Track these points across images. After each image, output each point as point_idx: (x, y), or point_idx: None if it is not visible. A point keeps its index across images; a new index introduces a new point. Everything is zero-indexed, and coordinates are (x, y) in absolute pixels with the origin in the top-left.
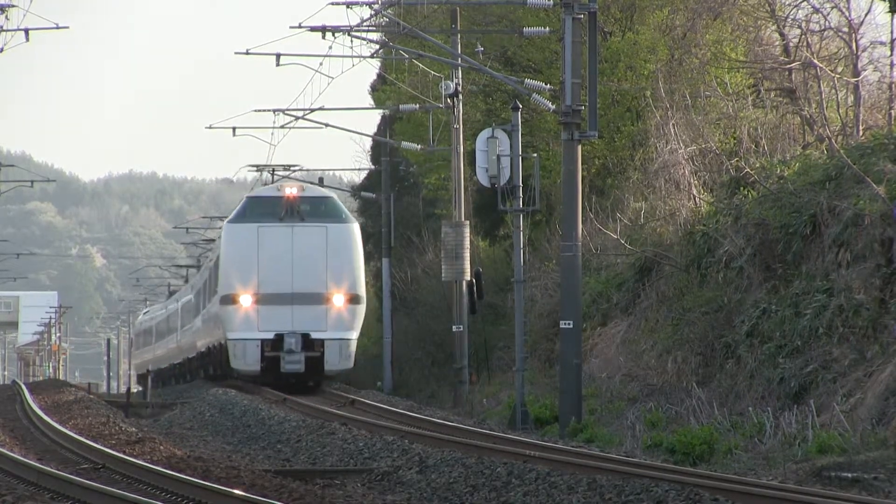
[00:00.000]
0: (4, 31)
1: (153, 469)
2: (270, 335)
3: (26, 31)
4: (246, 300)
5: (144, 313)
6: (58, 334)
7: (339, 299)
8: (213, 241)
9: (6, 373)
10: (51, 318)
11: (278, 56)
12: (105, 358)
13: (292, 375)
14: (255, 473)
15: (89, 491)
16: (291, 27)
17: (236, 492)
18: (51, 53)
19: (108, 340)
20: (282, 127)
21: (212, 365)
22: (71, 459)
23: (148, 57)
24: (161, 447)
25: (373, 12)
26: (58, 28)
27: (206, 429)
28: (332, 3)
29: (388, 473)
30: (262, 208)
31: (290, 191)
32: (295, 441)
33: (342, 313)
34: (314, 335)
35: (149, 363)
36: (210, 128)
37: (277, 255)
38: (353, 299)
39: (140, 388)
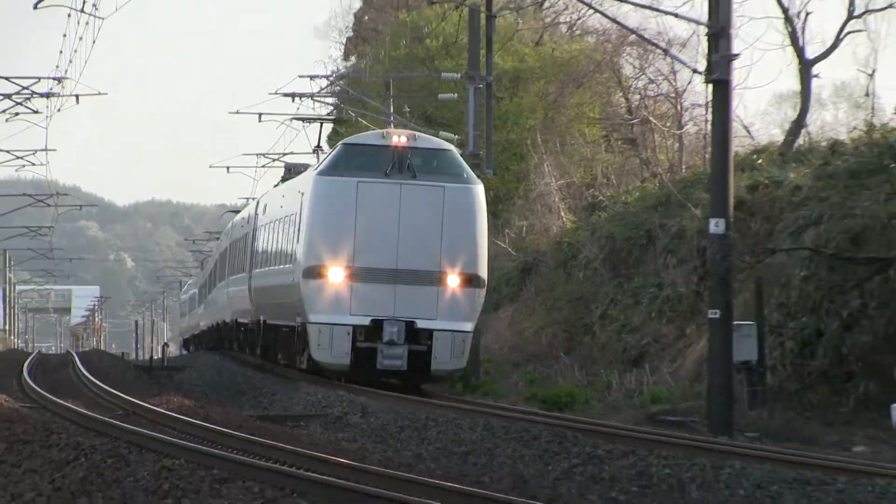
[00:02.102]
0: (61, 96)
1: (168, 414)
2: (366, 321)
3: (77, 96)
4: (336, 274)
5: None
6: (100, 317)
7: (454, 280)
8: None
9: (62, 345)
10: (94, 305)
11: (260, 115)
12: (134, 334)
13: (391, 373)
14: (242, 418)
15: (122, 430)
16: (269, 93)
17: (230, 431)
18: (96, 110)
19: (136, 322)
20: (263, 166)
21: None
22: (108, 407)
23: (165, 112)
24: (174, 399)
25: (329, 82)
26: (99, 94)
27: (206, 386)
28: (300, 77)
29: (338, 418)
30: (362, 158)
31: (399, 139)
32: (271, 395)
33: (458, 298)
34: (421, 324)
35: (189, 330)
36: (211, 167)
37: (380, 220)
38: (473, 281)
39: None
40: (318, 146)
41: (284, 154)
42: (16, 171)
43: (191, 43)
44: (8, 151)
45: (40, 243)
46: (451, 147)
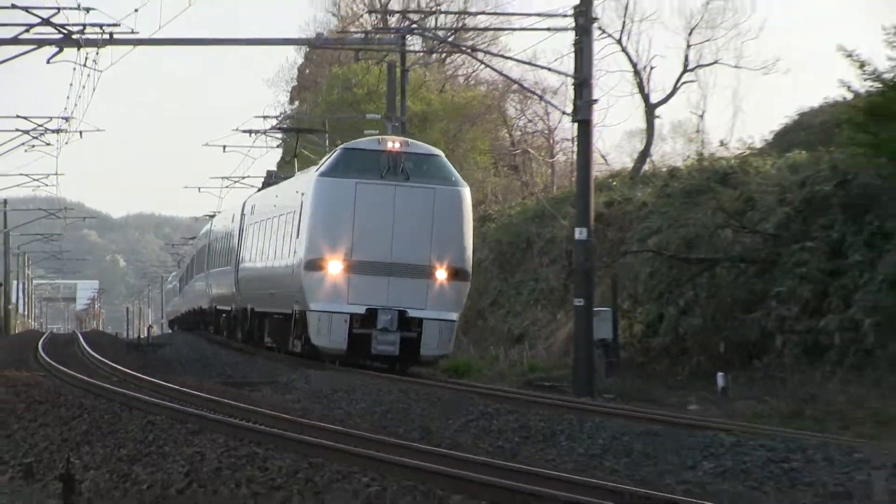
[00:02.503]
0: (68, 132)
1: (152, 381)
2: (361, 309)
3: (80, 132)
4: (335, 267)
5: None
6: (98, 305)
7: (442, 274)
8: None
9: (69, 326)
10: (94, 295)
11: (224, 147)
12: (125, 318)
13: (385, 358)
14: (210, 384)
15: (116, 393)
16: (232, 129)
17: (200, 394)
18: (95, 141)
19: (127, 308)
20: (227, 187)
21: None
22: (105, 375)
23: (150, 142)
24: (158, 369)
25: (277, 122)
26: (97, 130)
27: (182, 359)
28: (256, 117)
29: (286, 383)
30: (360, 162)
31: (393, 144)
32: (234, 366)
33: (446, 290)
34: (412, 313)
35: (173, 313)
36: (186, 187)
37: (376, 218)
38: (459, 275)
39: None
40: (270, 171)
41: (243, 177)
42: (32, 190)
43: (171, 88)
44: (27, 175)
45: (52, 247)
46: (440, 153)
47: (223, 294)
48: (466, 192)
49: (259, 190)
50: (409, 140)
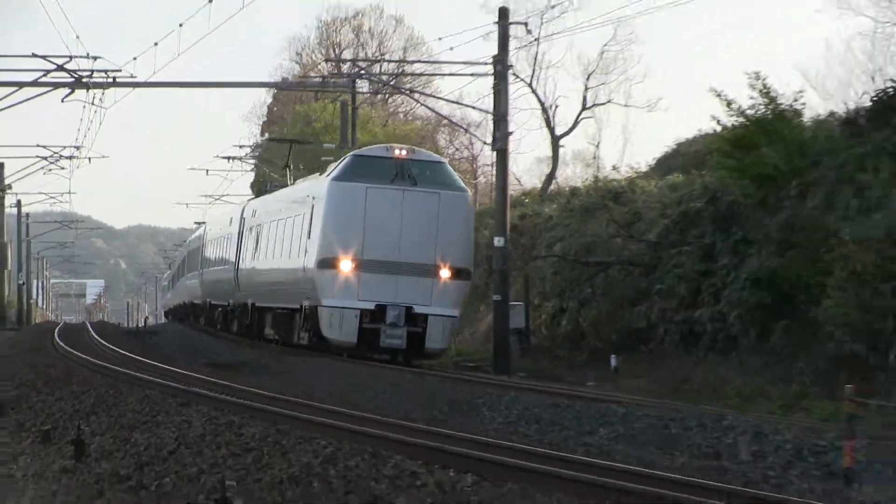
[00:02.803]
0: (79, 158)
1: (150, 363)
2: (371, 306)
3: (89, 158)
4: (347, 265)
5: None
6: (104, 300)
7: (446, 273)
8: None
9: (79, 317)
10: (100, 292)
11: (207, 171)
12: (126, 311)
13: (392, 351)
14: (198, 365)
15: (118, 372)
16: (214, 156)
17: (189, 373)
18: (102, 165)
19: (128, 303)
20: (209, 204)
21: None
22: (109, 357)
23: (147, 166)
24: (154, 352)
25: (251, 150)
26: (103, 157)
27: (175, 345)
28: (234, 146)
29: (263, 365)
30: (369, 168)
31: (400, 152)
32: (217, 351)
33: (449, 288)
34: (417, 309)
35: (168, 306)
36: (177, 203)
37: (385, 220)
38: (462, 274)
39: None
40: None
41: (223, 195)
42: (49, 206)
43: (164, 121)
44: (45, 193)
45: (65, 252)
46: (444, 160)
47: (219, 290)
48: (469, 197)
49: (253, 198)
50: (415, 148)
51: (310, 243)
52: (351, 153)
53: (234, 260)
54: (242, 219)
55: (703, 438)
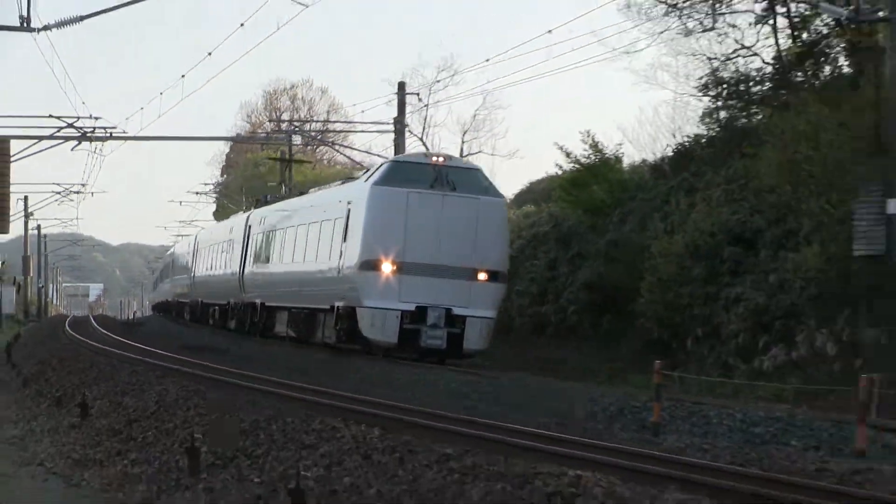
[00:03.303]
0: (83, 193)
1: (135, 345)
2: (411, 307)
3: (92, 193)
4: (389, 268)
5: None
6: (103, 299)
7: (483, 276)
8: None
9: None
10: (100, 293)
11: (181, 202)
12: (120, 307)
13: (432, 351)
14: (175, 349)
15: (113, 353)
16: (187, 191)
17: (166, 353)
18: (102, 197)
19: (121, 301)
20: (183, 226)
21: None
22: (108, 342)
23: (134, 199)
24: (140, 338)
25: (213, 187)
26: (104, 192)
27: (155, 332)
28: (200, 183)
29: (226, 349)
30: (408, 173)
31: (438, 158)
32: (189, 336)
33: (486, 291)
34: (456, 311)
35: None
36: (157, 226)
37: (425, 224)
38: (498, 277)
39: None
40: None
41: (192, 221)
42: (62, 228)
43: (150, 164)
44: (58, 219)
45: (74, 263)
46: (480, 167)
47: (215, 291)
48: (504, 203)
49: (257, 208)
50: (451, 155)
51: (347, 246)
52: (390, 160)
53: (238, 263)
54: (248, 227)
55: (550, 402)
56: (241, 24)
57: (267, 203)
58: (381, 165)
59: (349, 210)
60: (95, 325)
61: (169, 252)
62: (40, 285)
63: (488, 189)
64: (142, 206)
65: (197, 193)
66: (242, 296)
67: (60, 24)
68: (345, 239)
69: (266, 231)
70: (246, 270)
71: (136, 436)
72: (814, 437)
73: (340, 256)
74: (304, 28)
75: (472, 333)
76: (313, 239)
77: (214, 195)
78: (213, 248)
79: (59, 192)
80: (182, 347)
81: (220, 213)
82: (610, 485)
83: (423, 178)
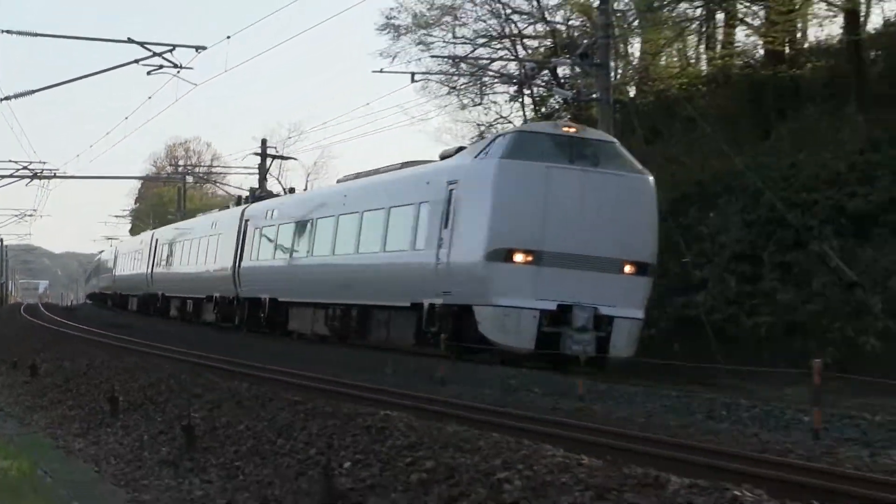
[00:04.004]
0: (35, 215)
1: (72, 324)
2: (552, 306)
3: (41, 216)
4: (522, 258)
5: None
6: (49, 292)
7: (631, 268)
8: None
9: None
10: (46, 287)
11: (106, 222)
12: (61, 298)
13: (570, 359)
14: (100, 326)
15: (56, 330)
16: (109, 215)
17: (95, 330)
18: (49, 220)
19: (62, 293)
20: (109, 240)
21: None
22: (54, 322)
23: (74, 219)
24: (76, 320)
25: (128, 212)
26: (49, 216)
27: (89, 314)
28: (119, 209)
29: (138, 328)
30: (539, 145)
31: (569, 129)
32: (114, 317)
33: (635, 286)
34: (603, 311)
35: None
36: (92, 240)
37: (566, 206)
38: (647, 269)
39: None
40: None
41: (115, 237)
42: (17, 240)
43: (85, 195)
44: (16, 234)
45: (27, 266)
46: (615, 140)
47: (186, 285)
48: (652, 181)
49: (251, 202)
50: (583, 125)
51: (456, 233)
52: (514, 129)
53: (231, 258)
54: (244, 221)
55: (367, 364)
56: (149, 97)
57: (262, 198)
58: (497, 137)
59: (451, 191)
60: (43, 310)
61: (117, 249)
62: (2, 281)
63: (632, 164)
64: (77, 225)
65: (117, 217)
66: (241, 290)
67: (22, 94)
68: (445, 225)
69: (279, 224)
70: (242, 266)
71: (72, 389)
72: None
73: (440, 245)
74: (194, 98)
75: (619, 337)
76: (373, 227)
77: (130, 218)
78: (187, 244)
79: (16, 215)
80: (108, 325)
81: (134, 231)
82: (409, 421)
83: (557, 150)
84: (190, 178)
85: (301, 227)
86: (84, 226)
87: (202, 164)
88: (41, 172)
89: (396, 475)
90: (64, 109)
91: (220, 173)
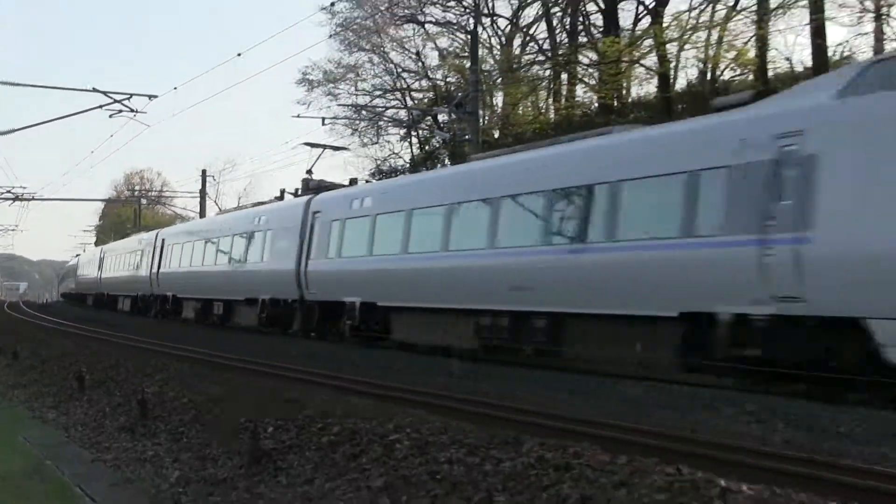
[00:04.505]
0: (16, 230)
1: (49, 318)
2: None
3: (23, 231)
4: None
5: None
6: (28, 291)
7: None
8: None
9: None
10: (26, 288)
11: (76, 235)
12: (39, 297)
13: None
14: (75, 320)
15: (35, 323)
16: (79, 229)
17: (70, 323)
18: (28, 234)
19: (39, 293)
20: (82, 247)
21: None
22: (35, 316)
23: (51, 235)
24: (51, 314)
25: (95, 228)
26: (29, 230)
27: (64, 312)
28: (89, 225)
29: (116, 323)
30: None
31: None
32: (84, 311)
33: None
34: None
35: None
36: (65, 250)
37: None
38: None
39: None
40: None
41: (85, 244)
42: (2, 249)
43: (60, 214)
44: None
45: (9, 270)
46: None
47: (222, 288)
48: None
49: (318, 193)
50: None
51: (780, 210)
52: (869, 59)
53: (292, 257)
54: (312, 214)
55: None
56: (111, 135)
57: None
58: (852, 66)
59: (789, 151)
60: (22, 306)
61: (70, 263)
62: None
63: None
64: (52, 237)
65: (84, 231)
66: (307, 293)
67: (4, 133)
68: (780, 198)
69: (374, 215)
70: (308, 265)
71: (48, 370)
72: None
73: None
74: (148, 136)
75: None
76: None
77: (95, 231)
78: (228, 240)
79: (0, 229)
80: (80, 319)
81: (99, 242)
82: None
83: None
84: (144, 201)
85: (427, 217)
86: (57, 238)
87: (154, 189)
88: (22, 195)
89: (310, 437)
90: (41, 143)
91: (169, 196)
